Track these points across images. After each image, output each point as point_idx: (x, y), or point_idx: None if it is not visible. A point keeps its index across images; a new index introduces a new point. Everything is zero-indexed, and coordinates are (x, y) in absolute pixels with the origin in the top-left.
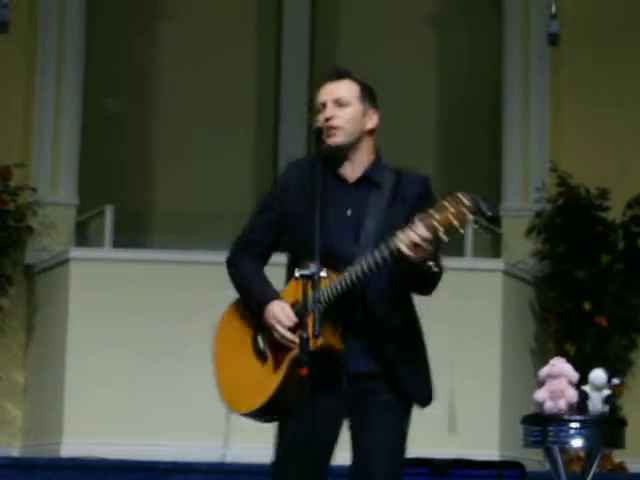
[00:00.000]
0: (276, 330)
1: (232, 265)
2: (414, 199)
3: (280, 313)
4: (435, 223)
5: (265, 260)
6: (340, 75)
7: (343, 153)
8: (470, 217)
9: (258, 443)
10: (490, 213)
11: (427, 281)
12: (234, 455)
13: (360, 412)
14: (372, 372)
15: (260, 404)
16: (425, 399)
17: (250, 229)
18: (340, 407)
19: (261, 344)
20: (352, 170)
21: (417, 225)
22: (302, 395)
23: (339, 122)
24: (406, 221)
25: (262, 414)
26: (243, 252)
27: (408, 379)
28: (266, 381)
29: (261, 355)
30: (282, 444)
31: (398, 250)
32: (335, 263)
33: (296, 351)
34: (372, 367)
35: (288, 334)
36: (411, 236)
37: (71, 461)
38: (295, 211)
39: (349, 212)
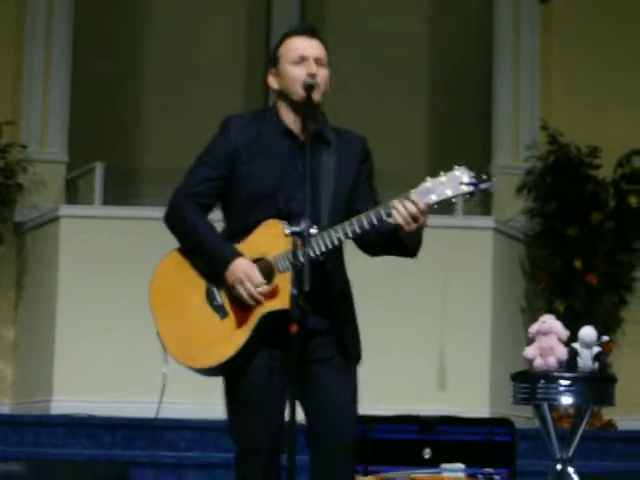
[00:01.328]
0: (245, 288)
1: (177, 216)
2: (357, 159)
3: (250, 272)
4: (434, 197)
5: (207, 213)
6: (316, 33)
7: (302, 111)
8: (466, 191)
9: None
10: (486, 188)
11: (403, 251)
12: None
13: (315, 371)
14: (322, 329)
15: (224, 359)
16: (359, 358)
17: (195, 181)
18: (288, 359)
19: (218, 298)
20: (302, 127)
21: (415, 198)
22: (292, 351)
23: (321, 80)
24: (353, 181)
25: (221, 369)
26: (188, 204)
27: (349, 338)
28: (229, 336)
29: (220, 310)
30: (243, 400)
31: (390, 217)
32: (290, 218)
33: (265, 308)
34: (322, 324)
35: (257, 293)
36: (409, 208)
37: (61, 418)
38: (249, 167)
39: (301, 169)
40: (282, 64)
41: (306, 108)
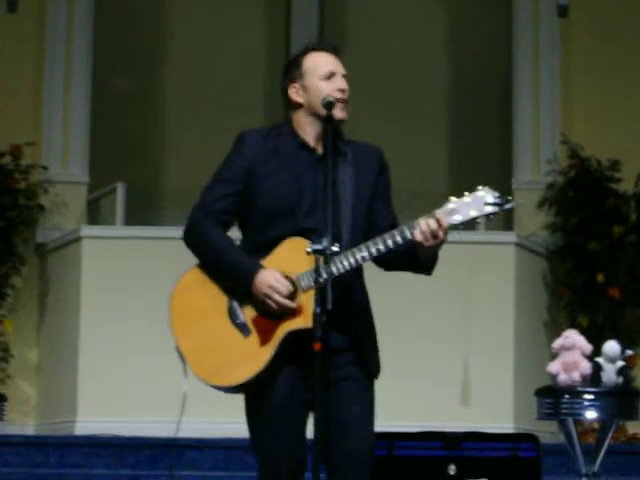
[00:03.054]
0: (273, 299)
1: (197, 234)
2: (375, 171)
3: (275, 282)
4: (458, 217)
5: (226, 230)
6: (339, 52)
7: (320, 126)
8: (491, 212)
9: None
10: (510, 208)
11: (419, 267)
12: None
13: (334, 390)
14: (342, 347)
15: (249, 377)
16: (378, 372)
17: (213, 198)
18: (309, 378)
19: (241, 316)
20: (319, 141)
21: (439, 216)
22: (316, 369)
23: (347, 96)
24: (371, 193)
25: (245, 387)
26: (207, 221)
27: (369, 353)
28: (254, 354)
29: (243, 328)
30: (265, 421)
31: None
32: (311, 234)
33: (288, 326)
34: (342, 342)
35: (287, 302)
36: (431, 225)
37: (86, 439)
38: (267, 182)
39: (320, 183)
40: (309, 78)
41: (328, 125)
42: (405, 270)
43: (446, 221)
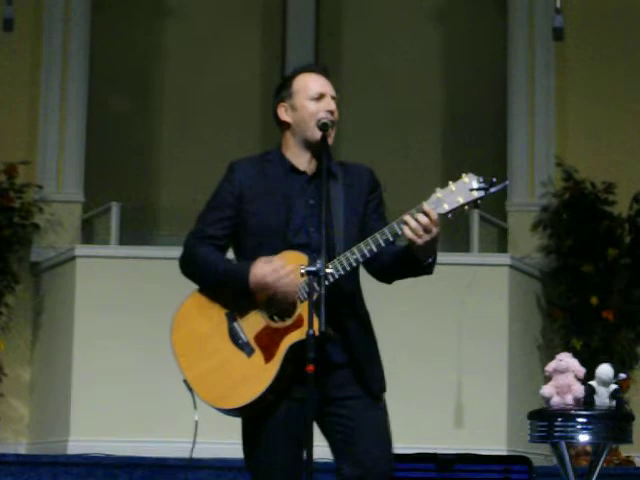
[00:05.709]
0: (274, 280)
1: (191, 256)
2: (366, 190)
3: (268, 271)
4: (446, 206)
5: (222, 253)
6: (327, 72)
7: (312, 148)
8: (477, 197)
9: None
10: (496, 191)
11: (419, 268)
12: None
13: (340, 411)
14: (343, 362)
15: (257, 395)
16: (380, 388)
17: (205, 225)
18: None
19: (242, 336)
20: (310, 163)
21: (426, 209)
22: (309, 392)
23: (336, 118)
24: (363, 211)
25: (255, 406)
26: (201, 245)
27: (368, 370)
28: (260, 372)
29: (246, 347)
30: (266, 437)
31: (403, 233)
32: (303, 249)
33: (291, 339)
34: (342, 357)
35: (285, 271)
36: (420, 219)
37: (78, 458)
38: (256, 205)
39: (312, 202)
40: (298, 99)
41: (322, 147)
42: (407, 276)
43: (435, 213)
